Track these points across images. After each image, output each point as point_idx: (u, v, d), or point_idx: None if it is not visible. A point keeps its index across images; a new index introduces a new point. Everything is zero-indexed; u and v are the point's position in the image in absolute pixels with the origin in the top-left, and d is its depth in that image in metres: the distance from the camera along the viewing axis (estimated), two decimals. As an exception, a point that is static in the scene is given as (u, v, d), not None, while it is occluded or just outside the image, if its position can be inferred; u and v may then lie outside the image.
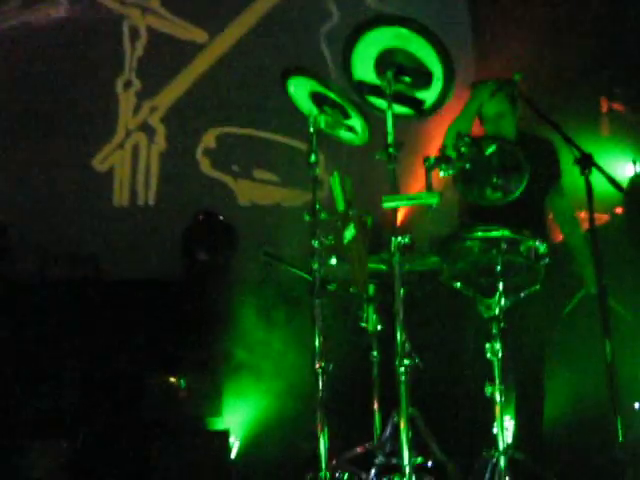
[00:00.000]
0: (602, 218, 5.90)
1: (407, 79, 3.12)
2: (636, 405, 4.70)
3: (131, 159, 6.82)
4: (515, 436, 3.90)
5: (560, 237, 6.36)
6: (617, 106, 6.79)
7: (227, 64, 6.98)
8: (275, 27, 7.06)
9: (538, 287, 3.39)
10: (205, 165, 6.83)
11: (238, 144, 6.88)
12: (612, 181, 3.37)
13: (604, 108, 6.87)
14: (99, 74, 6.82)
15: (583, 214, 5.98)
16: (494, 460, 3.22)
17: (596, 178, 3.41)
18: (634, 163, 6.37)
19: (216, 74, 6.97)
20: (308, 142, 3.55)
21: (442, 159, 3.05)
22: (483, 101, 4.18)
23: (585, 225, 3.42)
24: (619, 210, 5.81)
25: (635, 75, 6.77)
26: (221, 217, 6.09)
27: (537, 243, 3.30)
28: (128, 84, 6.89)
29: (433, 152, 3.13)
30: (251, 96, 6.76)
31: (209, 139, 6.85)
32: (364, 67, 3.17)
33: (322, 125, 3.56)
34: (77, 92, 6.70)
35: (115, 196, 6.74)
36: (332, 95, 3.43)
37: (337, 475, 3.54)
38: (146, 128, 6.88)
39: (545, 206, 4.35)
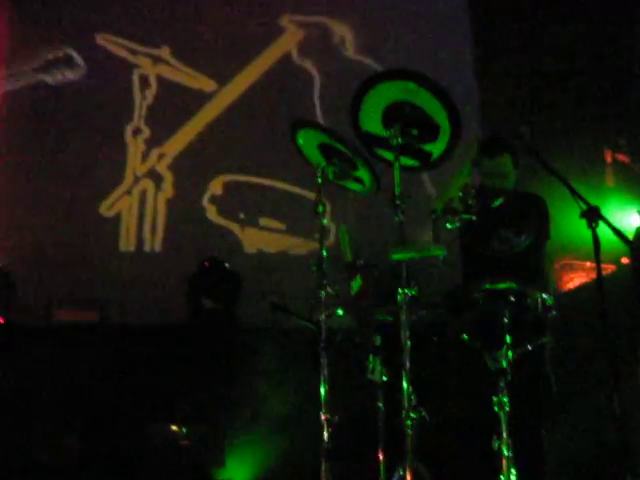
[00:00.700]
0: (608, 268, 5.90)
1: (414, 132, 3.15)
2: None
3: (138, 205, 6.86)
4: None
5: (566, 286, 6.41)
6: (621, 157, 6.83)
7: (235, 113, 7.07)
8: (281, 77, 7.17)
9: (546, 340, 3.38)
10: (212, 212, 6.86)
11: (245, 192, 6.93)
12: (618, 233, 3.38)
13: (608, 158, 6.91)
14: (109, 121, 6.91)
15: (589, 264, 6.03)
16: (501, 515, 3.18)
17: (601, 228, 3.42)
18: (639, 213, 6.39)
19: (224, 122, 7.05)
20: (316, 192, 3.57)
21: (449, 211, 3.07)
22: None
23: (592, 275, 3.41)
24: (625, 260, 5.81)
25: (638, 124, 6.82)
26: (226, 264, 6.09)
27: (544, 295, 3.29)
28: (137, 131, 6.97)
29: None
30: (258, 144, 6.82)
31: (216, 186, 6.90)
32: (372, 119, 3.20)
33: (330, 176, 3.59)
34: (86, 138, 6.78)
35: (122, 242, 6.75)
36: (340, 147, 3.47)
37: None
38: (154, 175, 6.94)
39: (543, 259, 4.32)
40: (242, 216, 6.87)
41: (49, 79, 6.85)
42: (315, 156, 3.60)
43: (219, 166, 6.95)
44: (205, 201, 6.87)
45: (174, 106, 7.05)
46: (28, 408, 5.26)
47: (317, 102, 7.04)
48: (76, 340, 5.62)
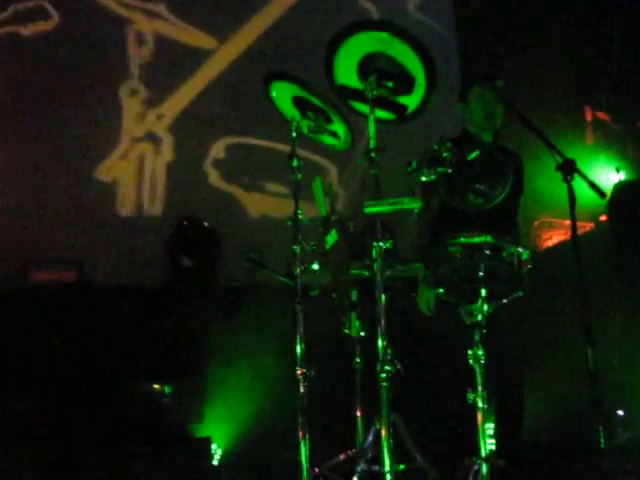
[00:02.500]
0: (587, 226, 5.93)
1: (389, 84, 3.11)
2: (620, 412, 4.70)
3: (136, 169, 6.68)
4: (497, 443, 3.89)
5: (545, 244, 6.44)
6: (601, 115, 6.83)
7: (237, 71, 6.83)
8: (286, 30, 6.94)
9: (521, 293, 3.39)
10: (213, 177, 6.71)
11: (248, 155, 6.74)
12: (594, 187, 3.35)
13: (588, 117, 6.91)
14: (103, 80, 6.61)
15: (568, 222, 6.04)
16: (476, 467, 3.21)
17: (581, 186, 3.41)
18: (617, 171, 6.41)
19: (226, 81, 6.82)
20: (290, 146, 3.54)
21: (424, 164, 3.05)
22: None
23: (569, 233, 3.41)
24: (604, 218, 5.83)
25: (619, 84, 6.81)
26: (205, 223, 6.05)
27: (520, 249, 3.29)
28: (134, 91, 6.76)
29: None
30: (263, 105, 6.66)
31: (218, 149, 6.74)
32: (347, 71, 3.16)
33: (305, 130, 3.55)
34: (79, 99, 6.50)
35: (118, 206, 6.59)
36: (314, 100, 3.43)
37: (319, 482, 3.52)
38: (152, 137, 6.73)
39: (518, 214, 4.31)
40: (246, 181, 6.69)
41: (23, 30, 6.62)
42: (289, 109, 3.56)
43: (221, 128, 6.72)
44: (207, 165, 6.69)
45: (173, 65, 6.78)
46: (7, 368, 5.25)
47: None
48: (54, 300, 5.59)
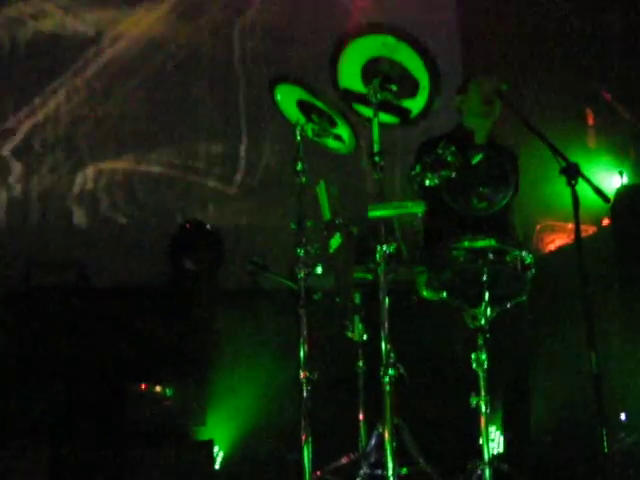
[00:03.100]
0: (589, 230, 5.92)
1: (393, 87, 3.11)
2: (622, 416, 4.69)
3: None
4: (502, 447, 3.89)
5: (547, 247, 6.43)
6: (602, 119, 6.82)
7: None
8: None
9: (524, 298, 3.39)
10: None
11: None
12: (598, 191, 3.36)
13: (590, 120, 6.90)
14: None
15: (570, 225, 6.04)
16: (479, 472, 3.21)
17: (583, 189, 3.41)
18: (621, 174, 6.40)
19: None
20: (295, 149, 3.54)
21: (428, 168, 3.05)
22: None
23: (572, 236, 3.41)
24: (606, 222, 5.82)
25: (620, 86, 6.80)
26: (208, 225, 6.06)
27: (523, 253, 3.30)
28: None
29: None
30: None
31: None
32: (351, 75, 3.16)
33: (309, 133, 3.56)
34: None
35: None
36: (319, 104, 3.43)
37: (322, 485, 3.52)
38: None
39: (514, 215, 4.29)
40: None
41: None
42: (294, 113, 3.57)
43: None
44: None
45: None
46: (8, 370, 5.25)
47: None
48: (56, 302, 5.60)
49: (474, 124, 4.19)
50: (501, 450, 3.96)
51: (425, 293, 3.88)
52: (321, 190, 3.45)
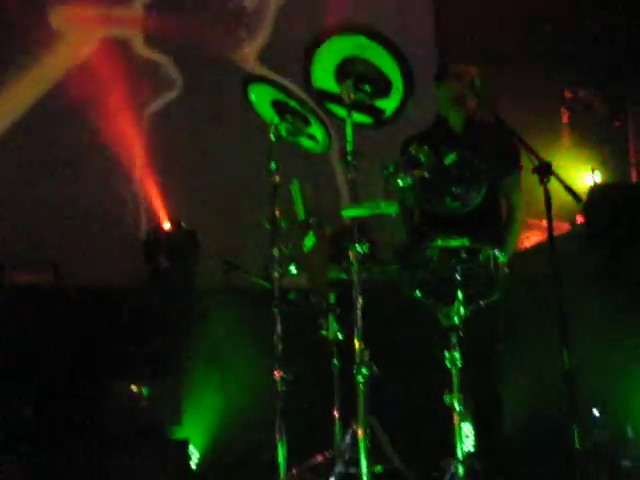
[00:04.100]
0: (563, 227, 5.97)
1: (367, 88, 3.12)
2: (595, 412, 4.74)
3: None
4: (475, 445, 3.91)
5: (523, 245, 6.47)
6: (576, 117, 6.88)
7: None
8: None
9: (497, 296, 3.41)
10: None
11: None
12: (570, 190, 3.38)
13: (565, 119, 6.96)
14: None
15: (545, 223, 6.09)
16: (453, 469, 3.23)
17: (557, 187, 3.44)
18: (593, 172, 6.47)
19: None
20: (269, 149, 3.55)
21: (401, 168, 3.06)
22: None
23: (545, 234, 3.44)
24: (580, 219, 5.88)
25: (595, 85, 6.86)
26: (183, 223, 6.04)
27: (496, 252, 3.32)
28: None
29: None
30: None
31: None
32: (324, 75, 3.17)
33: (283, 133, 3.56)
34: None
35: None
36: (293, 103, 3.43)
37: (296, 484, 3.53)
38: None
39: (501, 208, 4.32)
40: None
41: None
42: (268, 112, 3.57)
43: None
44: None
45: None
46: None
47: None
48: (30, 301, 5.56)
49: (448, 112, 4.22)
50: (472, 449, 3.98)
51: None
52: (295, 189, 3.45)
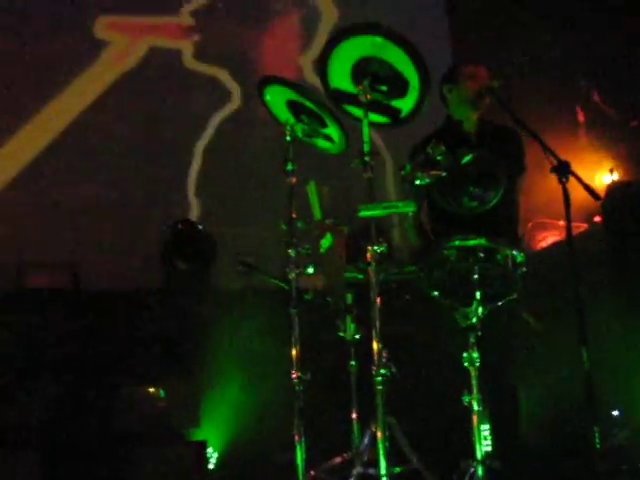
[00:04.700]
0: (581, 227, 5.94)
1: (383, 88, 3.12)
2: (615, 412, 4.71)
3: None
4: (492, 445, 3.89)
5: (539, 245, 6.45)
6: (592, 116, 6.84)
7: None
8: None
9: (515, 296, 3.40)
10: None
11: None
12: (588, 189, 3.37)
13: (581, 117, 6.92)
14: None
15: (562, 223, 6.06)
16: (472, 470, 3.21)
17: (574, 187, 3.42)
18: (611, 172, 6.43)
19: None
20: (285, 150, 3.55)
21: (418, 167, 3.06)
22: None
23: (564, 234, 3.42)
24: (597, 219, 5.84)
25: (611, 84, 6.82)
26: (200, 226, 6.06)
27: (514, 252, 3.30)
28: None
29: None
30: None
31: None
32: (340, 75, 3.17)
33: (299, 134, 3.56)
34: None
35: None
36: (309, 104, 3.43)
37: (315, 485, 3.53)
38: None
39: (518, 208, 4.28)
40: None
41: None
42: (283, 113, 3.57)
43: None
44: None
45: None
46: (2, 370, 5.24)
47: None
48: (49, 304, 5.58)
49: (461, 114, 4.20)
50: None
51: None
52: (311, 190, 3.45)
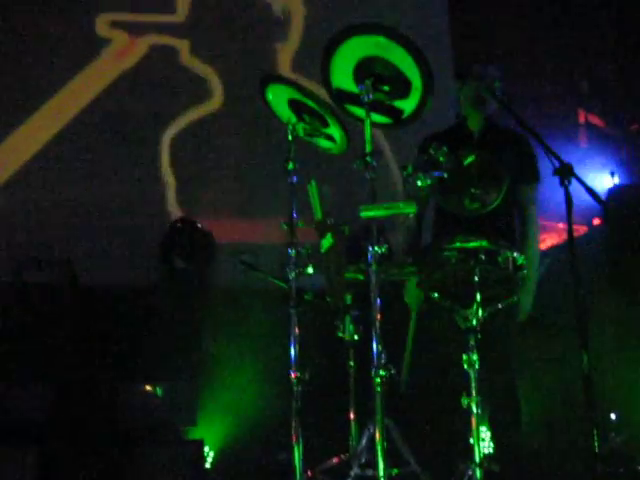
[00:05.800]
0: (580, 229, 5.94)
1: (386, 88, 3.10)
2: (612, 416, 4.71)
3: None
4: (492, 447, 3.89)
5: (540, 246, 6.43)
6: (594, 119, 6.84)
7: None
8: None
9: (516, 298, 3.38)
10: None
11: None
12: (591, 192, 3.36)
13: (582, 119, 6.92)
14: None
15: (561, 225, 6.06)
16: (470, 472, 3.20)
17: (574, 189, 3.41)
18: (612, 175, 6.43)
19: None
20: (287, 149, 3.54)
21: (420, 168, 3.04)
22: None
23: (564, 236, 3.41)
24: (597, 221, 5.85)
25: (613, 87, 6.82)
26: (199, 224, 6.04)
27: (515, 254, 3.28)
28: None
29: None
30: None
31: None
32: (343, 75, 3.15)
33: (300, 133, 3.54)
34: None
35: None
36: (310, 103, 3.42)
37: (312, 486, 3.52)
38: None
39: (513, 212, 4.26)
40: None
41: None
42: (285, 112, 3.55)
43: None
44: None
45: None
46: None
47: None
48: (45, 300, 5.57)
49: (467, 113, 4.23)
50: (491, 450, 3.95)
51: (407, 299, 3.92)
52: (312, 190, 3.44)
